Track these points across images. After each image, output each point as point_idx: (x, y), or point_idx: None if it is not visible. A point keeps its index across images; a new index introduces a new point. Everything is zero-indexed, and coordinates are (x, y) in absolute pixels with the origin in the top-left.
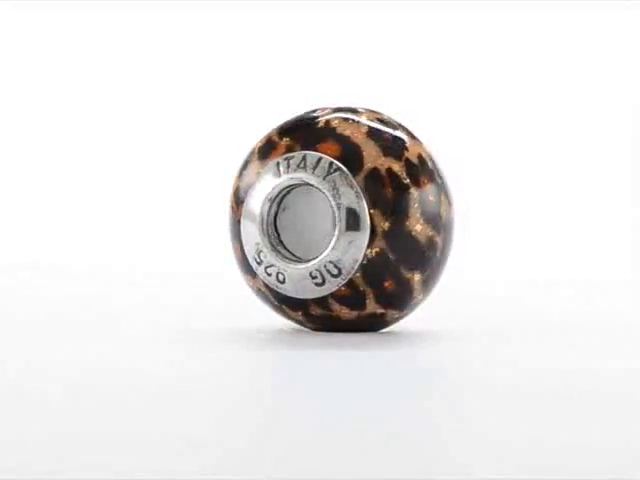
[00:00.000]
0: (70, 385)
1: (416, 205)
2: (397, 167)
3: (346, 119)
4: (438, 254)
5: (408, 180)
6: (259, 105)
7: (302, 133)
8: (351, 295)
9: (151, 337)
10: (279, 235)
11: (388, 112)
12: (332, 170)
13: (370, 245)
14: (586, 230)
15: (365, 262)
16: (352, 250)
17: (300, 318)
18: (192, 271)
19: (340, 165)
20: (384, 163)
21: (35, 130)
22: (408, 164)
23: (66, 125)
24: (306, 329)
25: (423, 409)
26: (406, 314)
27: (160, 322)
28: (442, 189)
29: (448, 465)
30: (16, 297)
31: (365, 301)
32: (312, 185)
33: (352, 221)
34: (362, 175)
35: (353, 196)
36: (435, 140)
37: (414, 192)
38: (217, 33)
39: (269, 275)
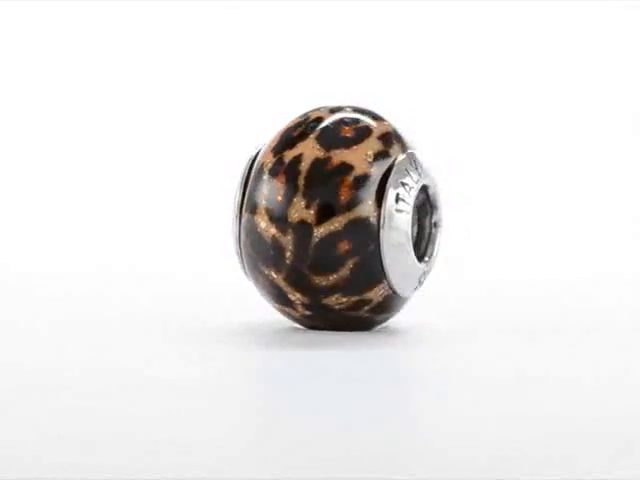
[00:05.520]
0: (69, 384)
1: (263, 202)
2: (268, 162)
3: (304, 114)
4: (288, 255)
5: (266, 176)
6: (258, 105)
7: None
8: (255, 286)
9: (151, 337)
10: None
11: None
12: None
13: (238, 235)
14: (585, 230)
15: (239, 251)
16: (232, 236)
17: None
18: (192, 270)
19: (252, 156)
20: (264, 158)
21: (38, 132)
22: (278, 161)
23: (67, 130)
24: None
25: (421, 409)
26: (315, 315)
27: (159, 321)
28: (305, 194)
29: (446, 465)
30: (20, 298)
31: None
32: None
33: (234, 209)
34: (254, 167)
35: (240, 185)
36: (436, 139)
37: (264, 188)
38: (218, 34)
39: None
